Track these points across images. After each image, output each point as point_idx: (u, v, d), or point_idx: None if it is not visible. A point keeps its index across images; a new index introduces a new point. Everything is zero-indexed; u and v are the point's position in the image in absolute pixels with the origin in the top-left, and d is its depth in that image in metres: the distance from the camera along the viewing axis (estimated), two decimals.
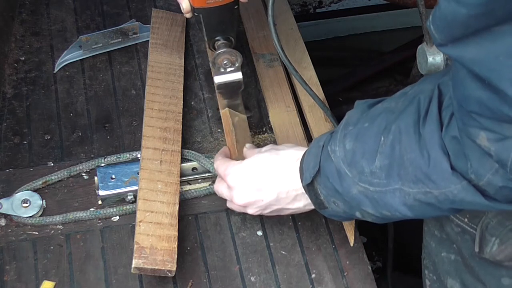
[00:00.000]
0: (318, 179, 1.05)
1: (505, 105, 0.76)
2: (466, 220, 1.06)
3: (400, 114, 0.95)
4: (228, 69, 1.25)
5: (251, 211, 1.15)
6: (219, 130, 1.36)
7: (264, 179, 1.12)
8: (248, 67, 1.46)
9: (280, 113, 1.36)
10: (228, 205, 1.20)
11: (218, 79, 1.26)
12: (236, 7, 1.20)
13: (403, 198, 0.95)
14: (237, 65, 1.25)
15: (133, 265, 1.11)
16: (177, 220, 1.18)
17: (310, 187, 1.07)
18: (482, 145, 0.82)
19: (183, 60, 1.45)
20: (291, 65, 1.22)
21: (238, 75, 1.26)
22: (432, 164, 0.90)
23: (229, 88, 1.28)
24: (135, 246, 1.13)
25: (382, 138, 0.95)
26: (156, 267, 1.11)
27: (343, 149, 1.00)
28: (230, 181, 1.15)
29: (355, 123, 1.01)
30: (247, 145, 1.24)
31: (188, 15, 1.20)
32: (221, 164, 1.19)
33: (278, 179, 1.11)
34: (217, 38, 1.24)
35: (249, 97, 1.41)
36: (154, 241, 1.14)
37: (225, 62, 1.25)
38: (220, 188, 1.20)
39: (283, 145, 1.19)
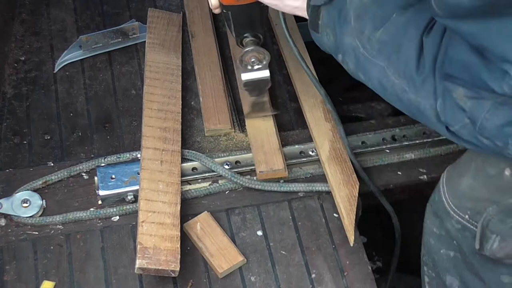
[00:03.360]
0: (327, 5, 1.03)
1: (486, 72, 0.79)
2: (467, 217, 1.06)
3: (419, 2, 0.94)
4: (256, 67, 1.25)
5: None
6: None
7: None
8: (233, 75, 1.46)
9: (255, 121, 1.35)
10: None
11: (245, 77, 1.26)
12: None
13: (381, 77, 0.96)
14: (264, 62, 1.24)
15: (136, 266, 1.11)
16: (179, 220, 1.18)
17: (315, 8, 1.05)
18: (458, 99, 0.84)
19: (180, 60, 1.45)
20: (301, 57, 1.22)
21: (266, 73, 1.26)
22: (421, 75, 0.91)
23: (256, 86, 1.28)
24: (138, 246, 1.12)
25: (395, 14, 0.95)
26: (160, 267, 1.11)
27: (360, 0, 0.99)
28: None
29: None
30: None
31: (216, 11, 1.19)
32: None
33: None
34: (245, 35, 1.23)
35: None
36: (157, 241, 1.14)
37: (252, 60, 1.24)
38: None
39: None
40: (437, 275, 1.18)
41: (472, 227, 1.06)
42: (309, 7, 1.06)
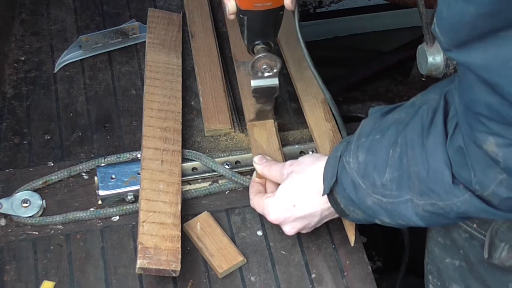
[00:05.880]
0: (336, 189, 1.06)
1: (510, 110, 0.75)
2: (475, 226, 1.06)
3: (406, 126, 0.96)
4: (266, 74, 1.24)
5: (305, 231, 1.17)
6: None
7: (303, 207, 1.12)
8: (233, 75, 1.46)
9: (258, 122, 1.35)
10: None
11: (254, 83, 1.25)
12: (281, 12, 1.17)
13: (415, 209, 0.96)
14: (275, 70, 1.23)
15: (137, 265, 1.11)
16: (179, 220, 1.18)
17: (330, 196, 1.08)
18: (490, 151, 0.81)
19: (180, 60, 1.45)
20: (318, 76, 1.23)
21: (275, 81, 1.25)
22: (432, 176, 0.91)
23: (264, 93, 1.27)
24: (139, 246, 1.12)
25: (391, 151, 0.96)
26: (161, 267, 1.11)
27: (357, 161, 1.01)
28: (273, 219, 1.15)
29: (368, 135, 1.01)
30: (255, 159, 1.23)
31: (231, 17, 1.16)
32: (256, 204, 1.19)
33: (316, 201, 1.11)
34: (257, 42, 1.21)
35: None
36: (158, 241, 1.14)
37: (264, 66, 1.22)
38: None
39: (303, 159, 1.16)
40: (442, 284, 1.18)
41: (480, 236, 1.05)
42: (329, 200, 1.08)
